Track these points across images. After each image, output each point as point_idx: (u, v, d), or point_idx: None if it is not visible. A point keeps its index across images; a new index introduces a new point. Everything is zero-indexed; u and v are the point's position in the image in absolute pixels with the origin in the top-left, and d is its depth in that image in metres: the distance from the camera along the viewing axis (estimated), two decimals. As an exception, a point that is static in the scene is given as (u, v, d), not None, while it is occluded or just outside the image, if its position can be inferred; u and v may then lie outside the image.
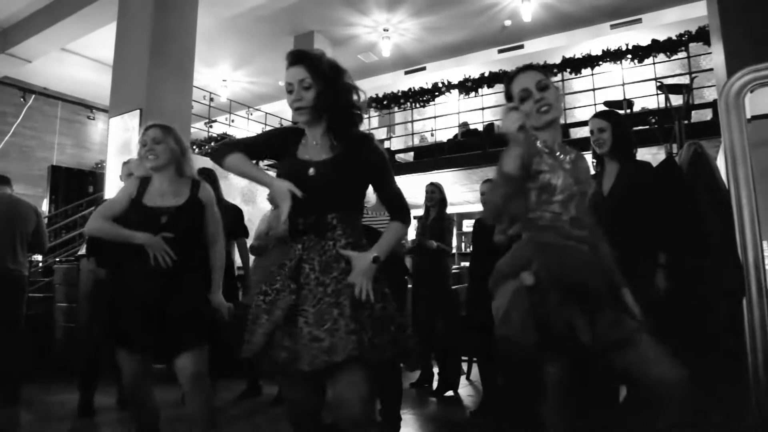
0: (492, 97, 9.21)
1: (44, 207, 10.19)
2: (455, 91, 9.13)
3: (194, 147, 9.75)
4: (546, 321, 1.76)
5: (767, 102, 3.22)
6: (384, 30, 10.28)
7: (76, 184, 10.82)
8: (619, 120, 3.08)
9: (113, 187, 5.91)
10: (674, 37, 7.13)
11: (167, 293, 2.28)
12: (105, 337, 2.97)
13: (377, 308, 1.74)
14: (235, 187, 7.62)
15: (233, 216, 4.25)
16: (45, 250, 4.43)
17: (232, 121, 9.94)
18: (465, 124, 9.41)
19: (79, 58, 10.62)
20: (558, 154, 1.98)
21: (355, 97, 1.85)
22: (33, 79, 10.94)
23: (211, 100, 9.41)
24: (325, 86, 1.80)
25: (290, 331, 1.69)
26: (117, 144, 6.30)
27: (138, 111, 6.14)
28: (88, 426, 3.61)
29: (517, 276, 1.83)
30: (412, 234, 5.11)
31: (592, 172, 3.25)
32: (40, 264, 7.61)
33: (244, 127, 10.43)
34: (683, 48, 7.06)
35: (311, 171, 1.80)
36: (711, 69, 7.08)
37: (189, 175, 2.54)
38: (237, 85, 12.68)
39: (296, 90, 1.80)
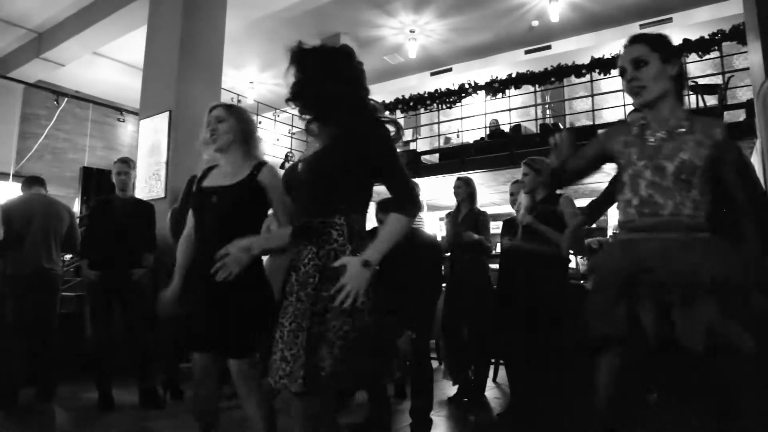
0: (519, 98, 9.15)
1: (76, 208, 10.40)
2: (482, 92, 9.07)
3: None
4: (603, 317, 1.74)
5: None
6: (410, 31, 10.27)
7: (106, 185, 10.99)
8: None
9: (142, 188, 6.01)
10: (707, 36, 6.98)
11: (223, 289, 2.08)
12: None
13: (358, 323, 1.59)
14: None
15: None
16: (77, 250, 4.53)
17: (260, 122, 10.02)
18: (495, 122, 9.31)
19: (110, 62, 10.82)
20: (649, 132, 1.86)
21: (345, 87, 1.75)
22: (65, 83, 11.18)
23: (239, 101, 9.50)
24: (304, 75, 1.76)
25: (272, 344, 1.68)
26: (147, 145, 6.40)
27: (167, 113, 6.22)
28: (122, 420, 3.67)
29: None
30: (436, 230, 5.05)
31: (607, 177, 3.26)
32: (72, 263, 7.76)
33: (271, 128, 10.51)
34: (716, 47, 6.91)
35: (300, 167, 1.78)
36: (745, 68, 6.93)
37: (255, 156, 2.41)
38: (263, 87, 12.78)
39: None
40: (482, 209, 4.51)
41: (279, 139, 10.84)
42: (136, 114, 7.83)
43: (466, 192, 4.43)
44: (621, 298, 1.69)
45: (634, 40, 1.91)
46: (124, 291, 4.04)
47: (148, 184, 6.05)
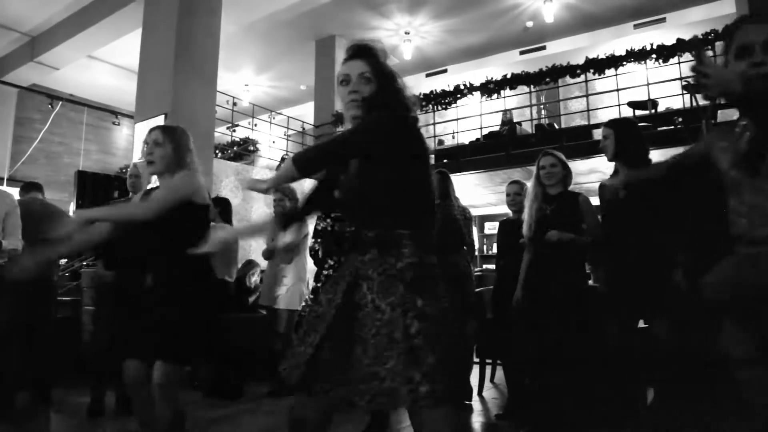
0: (514, 98, 9.15)
1: (71, 212, 10.37)
2: (477, 93, 9.09)
3: (217, 151, 9.85)
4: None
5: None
6: (405, 33, 10.29)
7: (101, 189, 10.97)
8: (623, 127, 3.13)
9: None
10: (700, 36, 7.00)
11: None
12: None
13: (450, 328, 1.54)
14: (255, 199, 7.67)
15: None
16: (74, 256, 4.52)
17: (255, 125, 10.03)
18: (507, 113, 9.10)
19: (105, 65, 10.81)
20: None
21: (406, 102, 1.72)
22: (60, 86, 11.17)
23: (234, 104, 9.50)
24: (384, 83, 1.70)
25: (340, 357, 1.52)
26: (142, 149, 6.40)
27: (163, 116, 6.22)
28: (116, 425, 3.66)
29: None
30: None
31: (602, 176, 3.28)
32: (67, 268, 7.74)
33: (267, 131, 10.51)
34: (709, 47, 6.94)
35: (352, 169, 1.68)
36: (738, 68, 6.97)
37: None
38: (259, 90, 12.79)
39: (355, 82, 1.68)
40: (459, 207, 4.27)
41: (275, 142, 10.84)
42: (132, 117, 7.83)
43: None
44: (750, 318, 1.59)
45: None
46: (136, 295, 4.01)
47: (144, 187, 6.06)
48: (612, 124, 3.20)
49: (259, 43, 10.52)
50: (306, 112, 11.93)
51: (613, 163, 3.20)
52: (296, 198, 4.65)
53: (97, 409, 3.89)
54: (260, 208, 8.43)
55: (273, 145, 10.95)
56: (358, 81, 1.68)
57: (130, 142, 7.38)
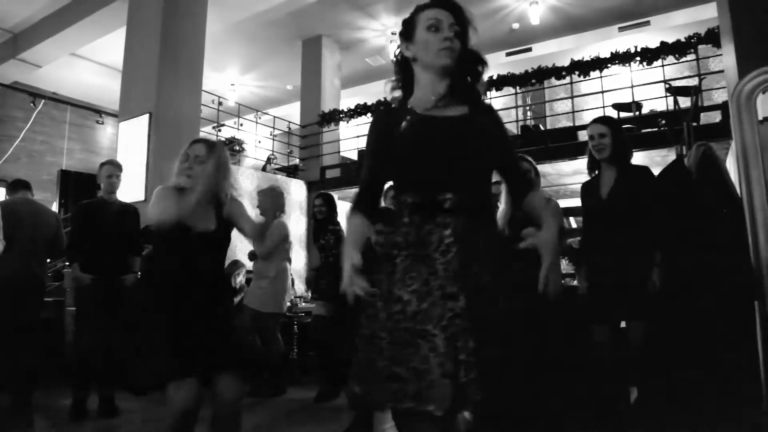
0: (500, 100, 9.19)
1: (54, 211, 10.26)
2: (463, 94, 9.09)
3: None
4: None
5: None
6: (392, 34, 10.27)
7: (85, 189, 10.86)
8: (618, 126, 3.16)
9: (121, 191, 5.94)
10: (683, 39, 7.08)
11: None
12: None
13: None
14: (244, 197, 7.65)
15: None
16: (62, 256, 4.48)
17: (241, 125, 9.97)
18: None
19: (89, 63, 10.69)
20: None
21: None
22: (43, 84, 11.02)
23: (220, 104, 9.45)
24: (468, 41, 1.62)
25: (407, 357, 1.33)
26: (126, 148, 6.34)
27: (147, 115, 6.17)
28: (101, 428, 3.63)
29: None
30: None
31: (586, 178, 3.29)
32: (50, 268, 7.66)
33: (253, 131, 10.46)
34: (692, 50, 7.02)
35: (454, 125, 1.53)
36: (720, 71, 7.05)
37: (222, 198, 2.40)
38: (245, 89, 12.72)
39: (446, 30, 1.56)
40: None
41: (261, 141, 10.79)
42: (116, 116, 7.77)
43: None
44: None
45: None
46: (115, 297, 3.98)
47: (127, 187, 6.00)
48: (608, 121, 3.20)
49: (245, 42, 10.47)
50: (292, 112, 11.89)
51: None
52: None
53: (80, 411, 3.85)
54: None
55: (259, 145, 10.90)
56: (450, 31, 1.57)
57: (114, 141, 7.31)
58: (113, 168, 4.20)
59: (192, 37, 6.93)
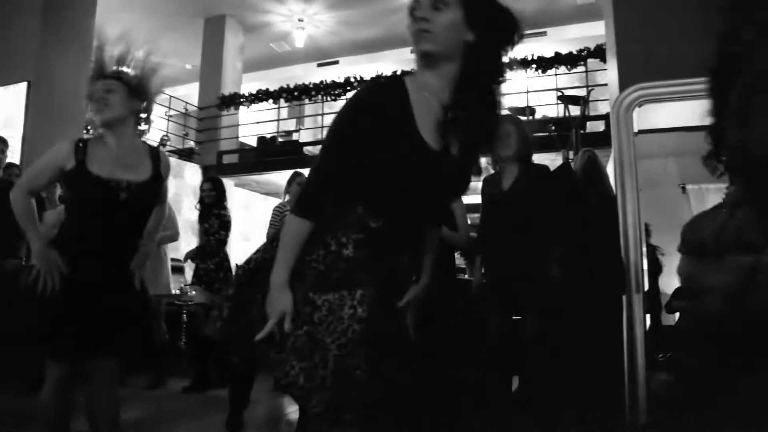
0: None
1: None
2: (367, 88, 9.16)
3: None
4: None
5: (651, 118, 3.50)
6: (299, 20, 10.13)
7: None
8: (523, 125, 3.31)
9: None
10: (575, 52, 7.55)
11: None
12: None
13: None
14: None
15: None
16: None
17: (133, 102, 9.43)
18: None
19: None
20: None
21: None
22: None
23: (111, 78, 8.87)
24: (469, 13, 1.29)
25: (302, 356, 1.35)
26: None
27: (25, 83, 5.67)
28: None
29: None
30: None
31: (490, 172, 3.44)
32: None
33: (146, 109, 9.92)
34: (582, 62, 7.50)
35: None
36: (605, 84, 7.58)
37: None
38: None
39: (423, 6, 1.31)
40: None
41: (154, 122, 10.25)
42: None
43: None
44: None
45: None
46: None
47: None
48: (514, 119, 3.36)
49: (142, 14, 9.89)
50: (190, 93, 11.40)
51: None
52: None
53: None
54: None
55: (152, 125, 10.37)
56: (428, 7, 1.31)
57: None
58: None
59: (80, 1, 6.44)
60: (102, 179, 1.98)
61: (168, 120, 10.24)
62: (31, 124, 5.53)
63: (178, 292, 5.08)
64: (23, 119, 5.55)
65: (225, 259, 4.50)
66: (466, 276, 5.26)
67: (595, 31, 9.13)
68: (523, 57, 7.80)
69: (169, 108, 10.26)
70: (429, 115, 1.31)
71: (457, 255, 5.96)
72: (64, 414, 2.04)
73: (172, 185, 6.99)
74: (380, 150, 1.28)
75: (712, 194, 5.96)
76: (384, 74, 8.94)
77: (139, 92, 2.15)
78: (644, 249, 3.23)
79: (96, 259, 2.01)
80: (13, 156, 5.38)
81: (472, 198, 3.53)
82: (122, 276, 2.09)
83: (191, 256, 4.60)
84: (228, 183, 7.98)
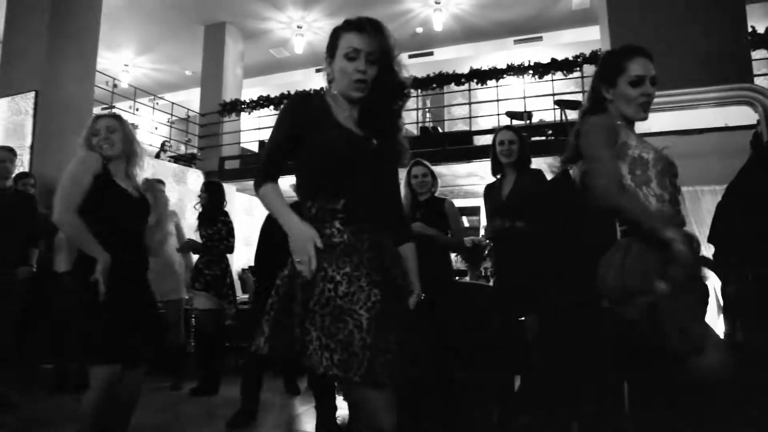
0: (402, 101, 9.40)
1: None
2: (366, 93, 9.26)
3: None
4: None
5: (645, 122, 3.59)
6: (298, 27, 10.25)
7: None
8: (523, 135, 3.49)
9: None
10: (570, 58, 7.67)
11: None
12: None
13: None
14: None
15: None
16: None
17: (137, 109, 9.52)
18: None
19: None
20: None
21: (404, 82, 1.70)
22: None
23: (115, 86, 8.98)
24: (388, 65, 1.65)
25: (335, 331, 1.50)
26: (6, 128, 5.89)
27: (33, 93, 5.77)
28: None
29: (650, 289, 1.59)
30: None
31: (493, 179, 3.56)
32: None
33: (149, 116, 10.03)
34: (578, 68, 7.62)
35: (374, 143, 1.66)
36: (601, 88, 7.71)
37: (133, 176, 2.38)
38: (139, 71, 12.14)
39: (362, 60, 1.61)
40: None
41: (157, 128, 10.36)
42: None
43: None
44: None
45: (650, 56, 1.86)
46: (7, 291, 3.72)
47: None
48: (515, 130, 3.54)
49: (143, 22, 10.01)
50: (191, 99, 11.51)
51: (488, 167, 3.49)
52: None
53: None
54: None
55: (155, 132, 10.46)
56: (365, 61, 1.62)
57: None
58: (5, 153, 3.92)
59: (86, 10, 6.53)
60: (126, 192, 2.22)
61: (171, 126, 10.34)
62: (40, 133, 5.62)
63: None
64: (32, 129, 5.63)
65: (228, 264, 4.58)
66: (467, 278, 5.35)
67: (589, 36, 9.28)
68: (520, 63, 7.93)
69: (171, 114, 10.35)
70: (345, 113, 1.67)
71: (456, 256, 6.08)
72: (109, 416, 2.15)
73: (175, 191, 7.15)
74: (314, 139, 1.61)
75: (707, 196, 6.08)
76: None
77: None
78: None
79: (132, 269, 2.19)
80: (23, 164, 5.47)
81: (472, 201, 3.65)
82: (148, 284, 2.28)
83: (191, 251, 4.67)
84: (230, 188, 8.07)
